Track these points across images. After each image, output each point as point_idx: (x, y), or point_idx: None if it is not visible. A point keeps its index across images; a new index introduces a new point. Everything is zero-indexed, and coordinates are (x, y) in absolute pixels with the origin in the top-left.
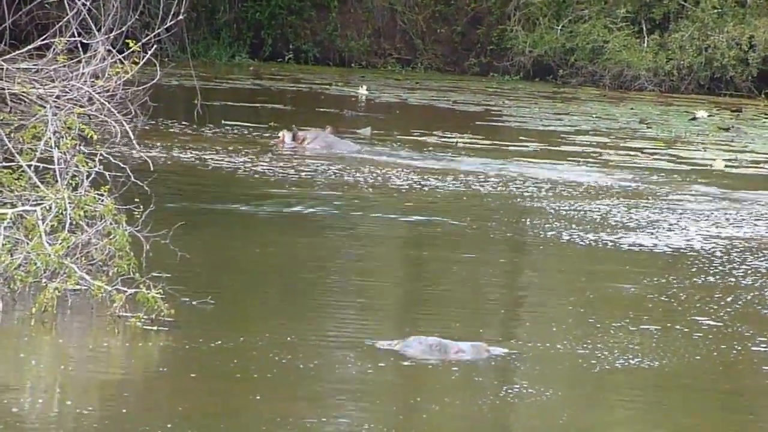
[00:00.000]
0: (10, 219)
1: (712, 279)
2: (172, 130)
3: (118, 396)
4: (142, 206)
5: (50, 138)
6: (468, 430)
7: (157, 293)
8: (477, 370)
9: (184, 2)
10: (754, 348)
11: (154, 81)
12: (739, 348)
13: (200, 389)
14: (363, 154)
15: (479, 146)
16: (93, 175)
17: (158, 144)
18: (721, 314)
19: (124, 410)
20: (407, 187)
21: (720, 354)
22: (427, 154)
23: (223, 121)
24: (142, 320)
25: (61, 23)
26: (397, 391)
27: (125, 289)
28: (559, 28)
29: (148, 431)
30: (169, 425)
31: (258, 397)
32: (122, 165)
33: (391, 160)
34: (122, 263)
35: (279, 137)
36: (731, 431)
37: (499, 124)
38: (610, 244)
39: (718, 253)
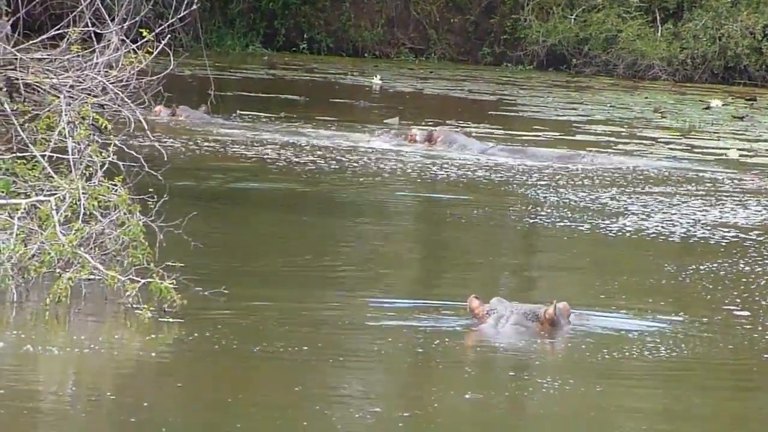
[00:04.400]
0: (24, 209)
1: (728, 267)
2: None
3: (130, 385)
4: (156, 196)
5: (64, 128)
6: (480, 418)
7: (170, 283)
8: (488, 358)
9: None
10: None
11: (168, 71)
12: (757, 335)
13: (212, 377)
14: (240, 130)
15: (494, 136)
16: (107, 165)
17: (172, 133)
18: (737, 302)
19: (135, 399)
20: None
21: (735, 341)
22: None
23: (238, 111)
24: (153, 310)
25: (74, 13)
26: (407, 378)
27: (139, 279)
28: (573, 17)
29: (161, 418)
30: (181, 412)
31: (268, 386)
32: (136, 154)
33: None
34: (137, 253)
35: (156, 110)
36: (741, 419)
37: (513, 113)
38: (625, 231)
39: (734, 241)
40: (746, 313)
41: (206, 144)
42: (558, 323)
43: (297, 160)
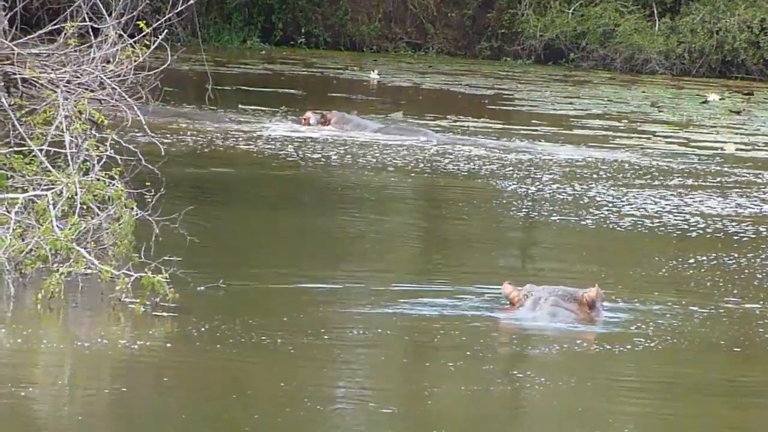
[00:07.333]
0: (22, 203)
1: (724, 259)
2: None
3: (124, 380)
4: (153, 190)
5: (61, 122)
6: (476, 414)
7: (163, 277)
8: (488, 355)
9: None
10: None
11: (165, 65)
12: (762, 329)
13: (208, 371)
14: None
15: (492, 130)
16: (104, 160)
17: (169, 128)
18: (735, 295)
19: (129, 394)
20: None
21: (733, 334)
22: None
23: (239, 105)
24: (146, 305)
25: (72, 8)
26: (406, 371)
27: (132, 273)
28: (570, 11)
29: (156, 413)
30: (179, 405)
31: (266, 380)
32: (133, 149)
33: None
34: (121, 246)
35: None
36: (737, 417)
37: (511, 108)
38: (623, 225)
39: (730, 235)
40: (745, 305)
41: None
42: (595, 306)
43: (183, 145)
